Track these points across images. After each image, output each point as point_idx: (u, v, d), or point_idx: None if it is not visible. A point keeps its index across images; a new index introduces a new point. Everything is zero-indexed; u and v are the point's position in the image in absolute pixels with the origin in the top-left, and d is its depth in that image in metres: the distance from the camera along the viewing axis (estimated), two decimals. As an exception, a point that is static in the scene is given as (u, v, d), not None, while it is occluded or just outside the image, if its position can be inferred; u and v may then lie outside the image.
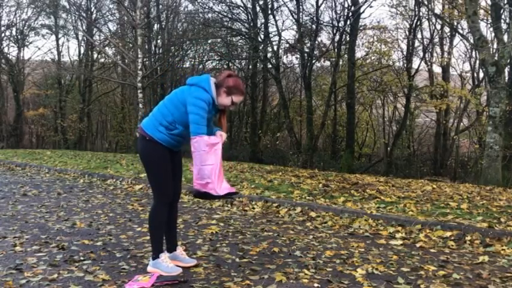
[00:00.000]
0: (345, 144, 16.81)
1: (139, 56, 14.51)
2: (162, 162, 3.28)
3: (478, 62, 16.98)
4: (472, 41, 10.88)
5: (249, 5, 17.27)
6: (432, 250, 4.07)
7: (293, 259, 3.67)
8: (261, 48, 16.27)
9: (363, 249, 4.02)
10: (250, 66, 19.04)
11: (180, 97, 3.24)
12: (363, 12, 20.55)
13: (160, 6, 18.87)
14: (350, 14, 15.36)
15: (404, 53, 17.69)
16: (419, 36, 17.84)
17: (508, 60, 10.38)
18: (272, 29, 26.61)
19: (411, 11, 16.76)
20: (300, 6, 16.13)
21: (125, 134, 22.63)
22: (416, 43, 17.82)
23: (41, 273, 3.20)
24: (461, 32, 15.90)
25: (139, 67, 14.49)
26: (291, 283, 3.13)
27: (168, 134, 3.25)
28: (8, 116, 24.57)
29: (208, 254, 3.79)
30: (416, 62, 28.24)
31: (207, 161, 3.11)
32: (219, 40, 17.69)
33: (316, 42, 16.81)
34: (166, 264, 3.27)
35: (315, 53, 16.44)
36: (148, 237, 4.24)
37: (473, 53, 17.98)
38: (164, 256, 3.30)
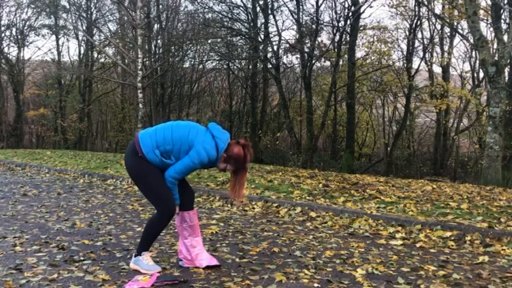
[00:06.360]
0: (345, 144, 16.80)
1: (139, 56, 14.52)
2: (155, 172, 3.21)
3: (478, 62, 16.98)
4: (472, 41, 10.87)
5: (249, 5, 17.29)
6: (432, 250, 4.08)
7: (293, 259, 3.67)
8: (261, 48, 16.27)
9: (363, 249, 4.02)
10: (250, 66, 19.05)
11: (191, 138, 3.16)
12: (363, 12, 20.56)
13: (160, 6, 18.89)
14: (350, 14, 15.36)
15: (404, 53, 17.71)
16: (419, 36, 17.86)
17: (508, 60, 10.38)
18: (272, 29, 26.59)
19: (411, 11, 16.77)
20: (300, 6, 16.14)
21: (125, 134, 22.61)
22: (416, 43, 17.84)
23: (41, 273, 3.20)
24: (461, 32, 15.92)
25: (139, 67, 14.50)
26: (291, 283, 3.13)
27: (161, 159, 3.19)
28: (8, 116, 24.54)
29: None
30: (416, 62, 28.30)
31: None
32: (219, 40, 17.67)
33: (316, 42, 16.80)
34: (146, 262, 3.29)
35: (315, 53, 16.43)
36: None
37: (473, 53, 18.00)
38: (146, 254, 3.31)
